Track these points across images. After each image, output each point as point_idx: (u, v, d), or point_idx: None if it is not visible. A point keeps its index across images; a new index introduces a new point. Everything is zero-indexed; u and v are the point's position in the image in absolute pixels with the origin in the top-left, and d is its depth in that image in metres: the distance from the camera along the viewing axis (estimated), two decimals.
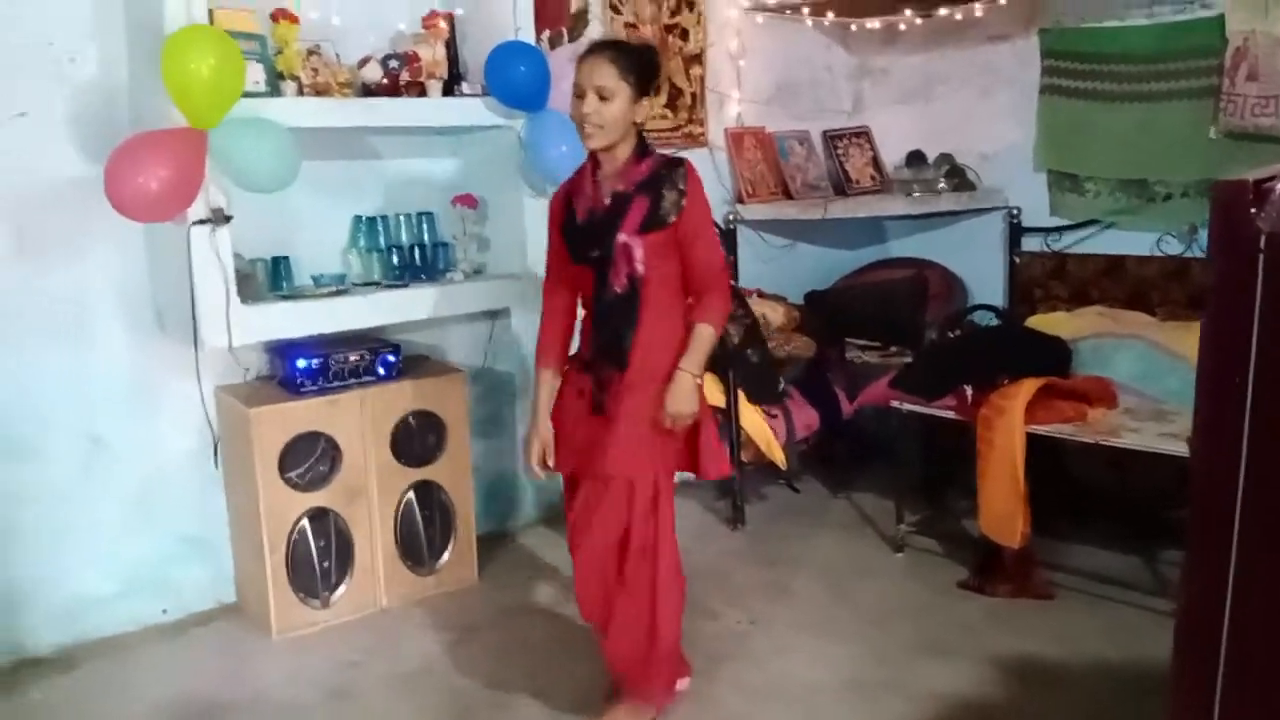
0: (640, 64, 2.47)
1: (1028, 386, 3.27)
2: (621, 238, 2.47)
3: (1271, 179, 1.16)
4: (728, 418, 3.90)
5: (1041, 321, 3.98)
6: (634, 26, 4.28)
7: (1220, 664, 1.24)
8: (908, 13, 4.11)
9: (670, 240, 2.48)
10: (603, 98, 2.42)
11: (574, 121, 2.49)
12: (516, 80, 3.31)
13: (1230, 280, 1.22)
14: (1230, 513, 1.22)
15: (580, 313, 2.68)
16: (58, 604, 3.19)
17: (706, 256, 2.54)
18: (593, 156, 2.55)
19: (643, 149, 2.54)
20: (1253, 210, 1.16)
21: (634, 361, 2.51)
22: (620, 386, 2.52)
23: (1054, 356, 3.49)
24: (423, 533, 3.50)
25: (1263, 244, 1.16)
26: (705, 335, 2.51)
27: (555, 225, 2.65)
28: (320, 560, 3.31)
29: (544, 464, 2.67)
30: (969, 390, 3.40)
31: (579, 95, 2.45)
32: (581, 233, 2.55)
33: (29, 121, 3.00)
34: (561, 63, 3.50)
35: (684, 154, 4.39)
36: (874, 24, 4.30)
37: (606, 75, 2.42)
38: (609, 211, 2.49)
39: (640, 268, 2.48)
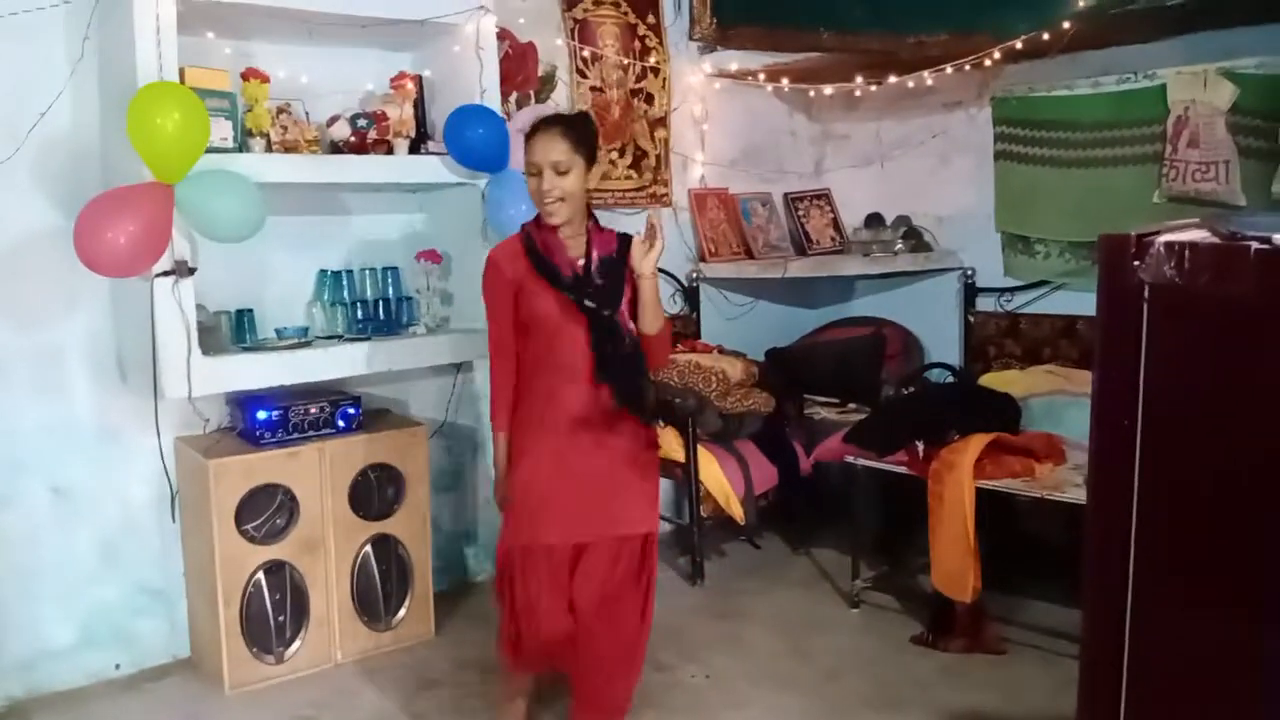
0: (588, 135, 2.57)
1: (976, 442, 3.34)
2: (622, 302, 2.58)
3: (1153, 234, 1.24)
4: (687, 472, 3.94)
5: (994, 379, 4.05)
6: (600, 90, 4.40)
7: (1122, 711, 1.28)
8: (860, 80, 4.24)
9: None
10: (559, 173, 2.50)
11: (533, 198, 2.56)
12: (474, 142, 3.38)
13: (1117, 328, 1.29)
14: (1125, 549, 1.27)
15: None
16: (13, 655, 3.18)
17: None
18: (541, 221, 2.61)
19: (593, 219, 2.66)
20: (1135, 263, 1.24)
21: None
22: (635, 441, 2.64)
23: (1003, 413, 3.55)
24: (379, 587, 3.50)
25: (1146, 294, 1.23)
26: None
27: (512, 286, 2.61)
28: (275, 614, 3.29)
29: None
30: (920, 446, 3.46)
31: (534, 173, 2.52)
32: (583, 286, 2.56)
33: (1, 175, 3.04)
34: (525, 123, 3.60)
35: (648, 213, 4.55)
36: (829, 90, 4.43)
37: (560, 151, 2.50)
38: (610, 274, 2.58)
39: (633, 326, 2.59)
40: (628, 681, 2.76)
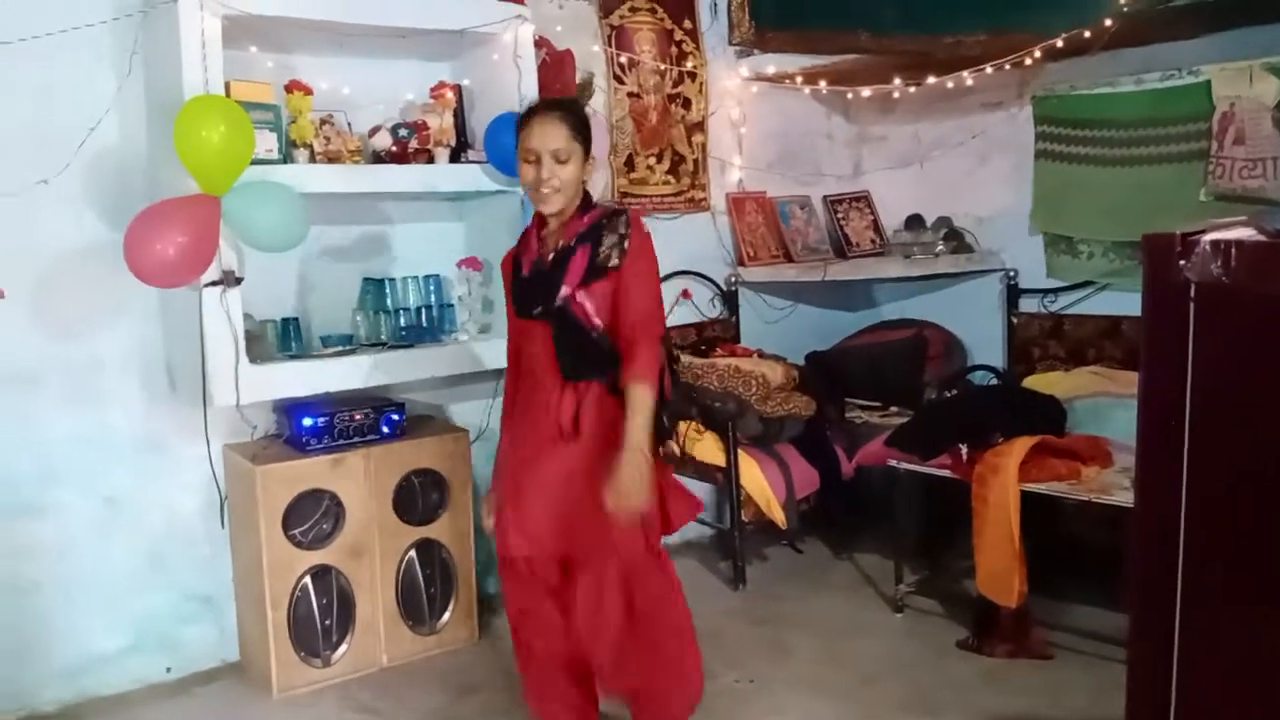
0: (585, 123, 2.45)
1: (1021, 445, 3.30)
2: (565, 291, 2.40)
3: (1198, 232, 1.23)
4: (727, 477, 3.94)
5: (1038, 381, 4.01)
6: (637, 96, 4.42)
7: (1171, 704, 1.27)
8: (898, 81, 4.22)
9: (615, 290, 2.41)
10: (559, 160, 2.38)
11: (527, 186, 2.44)
12: (514, 150, 3.40)
13: (1163, 327, 1.28)
14: (1173, 551, 1.26)
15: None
16: (64, 660, 3.25)
17: (641, 302, 2.42)
18: (539, 215, 2.51)
19: (587, 204, 2.50)
20: (1181, 262, 1.23)
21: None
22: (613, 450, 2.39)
23: (1048, 415, 3.51)
24: (424, 591, 3.53)
25: (1192, 293, 1.22)
26: (644, 401, 2.33)
27: (507, 286, 2.61)
28: (322, 618, 3.34)
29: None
30: (964, 449, 3.43)
31: (531, 160, 2.39)
32: (524, 288, 2.49)
33: (49, 189, 3.11)
34: None
35: (686, 219, 4.57)
36: (867, 92, 4.42)
37: (560, 138, 2.38)
38: (552, 266, 2.44)
39: (598, 321, 2.41)
40: (677, 699, 2.66)
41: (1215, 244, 1.27)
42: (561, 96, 2.69)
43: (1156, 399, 1.30)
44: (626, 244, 2.40)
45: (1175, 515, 1.27)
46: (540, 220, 2.52)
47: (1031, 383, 4.01)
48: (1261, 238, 1.28)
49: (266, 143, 3.13)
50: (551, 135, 2.38)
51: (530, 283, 2.48)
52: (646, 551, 2.52)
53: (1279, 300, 1.21)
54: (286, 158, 3.24)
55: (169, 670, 3.41)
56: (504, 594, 2.63)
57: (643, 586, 2.51)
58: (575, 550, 2.48)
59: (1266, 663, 1.30)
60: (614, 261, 2.39)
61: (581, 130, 2.42)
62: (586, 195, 2.52)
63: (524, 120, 2.45)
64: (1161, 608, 1.30)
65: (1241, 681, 1.33)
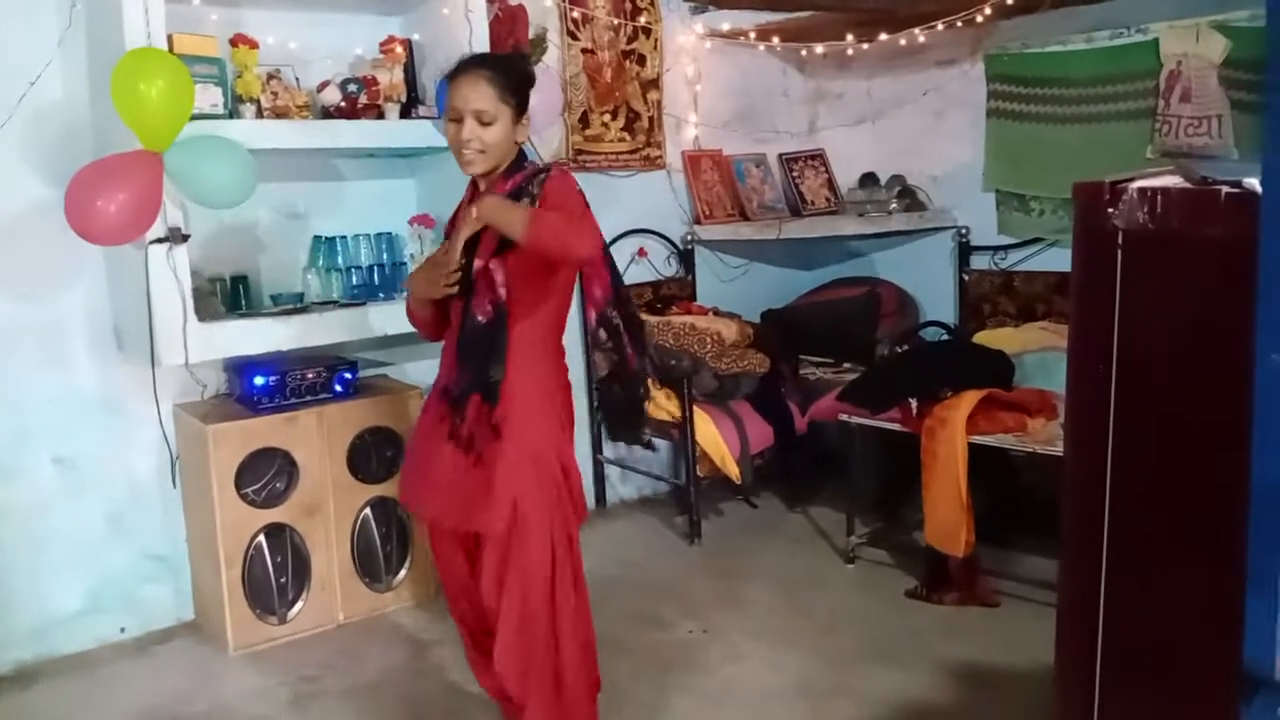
0: (519, 81, 2.29)
1: (969, 398, 3.36)
2: (478, 263, 2.25)
3: (1126, 180, 1.26)
4: (683, 433, 3.97)
5: (989, 337, 4.07)
6: (591, 52, 4.39)
7: (1098, 652, 1.31)
8: (850, 38, 4.23)
9: (536, 264, 2.22)
10: (483, 122, 2.22)
11: (451, 147, 2.28)
12: None
13: (1092, 273, 1.31)
14: (1100, 491, 1.30)
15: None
16: (21, 622, 3.23)
17: (563, 208, 2.22)
18: (475, 179, 2.37)
19: (517, 165, 2.33)
20: (1109, 209, 1.25)
21: (504, 398, 2.25)
22: (490, 426, 2.26)
23: (996, 369, 3.57)
24: (380, 549, 3.54)
25: (1120, 240, 1.25)
26: (522, 216, 2.12)
27: None
28: (277, 576, 3.34)
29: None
30: (913, 403, 3.49)
31: (454, 120, 2.24)
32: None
33: None
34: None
35: (641, 177, 4.56)
36: (820, 49, 4.42)
37: (485, 99, 2.22)
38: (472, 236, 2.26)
39: (503, 293, 2.24)
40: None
41: (1142, 191, 1.30)
42: (495, 53, 2.51)
43: (1085, 342, 1.33)
44: (537, 203, 2.22)
45: (1102, 458, 1.31)
46: (475, 185, 2.37)
47: (982, 338, 4.06)
48: (1187, 185, 1.32)
49: (211, 97, 3.08)
50: (475, 95, 2.22)
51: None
52: (566, 539, 2.33)
53: (1203, 246, 1.25)
54: (233, 113, 3.18)
55: (123, 630, 3.40)
56: (434, 556, 2.53)
57: (553, 580, 2.30)
58: (477, 529, 2.34)
59: (1188, 600, 1.35)
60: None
61: (512, 90, 2.26)
62: (520, 155, 2.35)
63: (451, 75, 2.29)
64: (1089, 550, 1.34)
65: (1165, 618, 1.38)
